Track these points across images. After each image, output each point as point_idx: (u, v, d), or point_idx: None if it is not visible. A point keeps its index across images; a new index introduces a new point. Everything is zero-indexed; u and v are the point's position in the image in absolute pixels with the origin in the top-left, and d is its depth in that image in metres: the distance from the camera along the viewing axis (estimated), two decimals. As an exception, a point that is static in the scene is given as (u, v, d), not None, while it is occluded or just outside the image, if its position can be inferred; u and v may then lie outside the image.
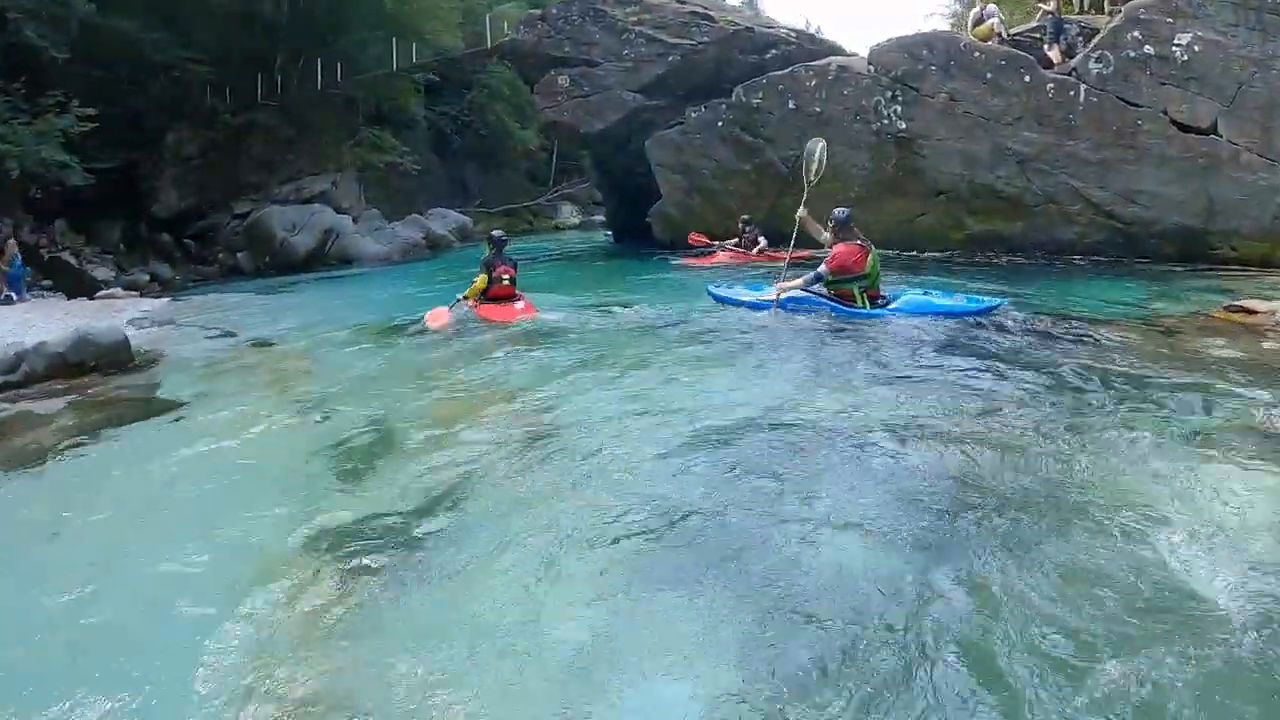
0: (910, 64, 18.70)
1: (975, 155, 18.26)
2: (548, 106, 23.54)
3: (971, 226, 18.65)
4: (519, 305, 11.81)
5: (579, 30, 22.64)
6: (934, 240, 19.04)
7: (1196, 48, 16.58)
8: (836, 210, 10.90)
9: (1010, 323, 10.11)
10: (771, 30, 21.69)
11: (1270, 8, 16.20)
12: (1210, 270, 15.27)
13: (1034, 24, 18.90)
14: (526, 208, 39.97)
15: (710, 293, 11.83)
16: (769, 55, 21.19)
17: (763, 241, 19.01)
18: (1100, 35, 17.58)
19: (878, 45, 19.33)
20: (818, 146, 12.24)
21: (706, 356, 8.98)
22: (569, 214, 42.41)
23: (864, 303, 10.24)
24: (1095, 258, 17.56)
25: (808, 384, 7.57)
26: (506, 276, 12.06)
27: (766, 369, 8.31)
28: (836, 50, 21.15)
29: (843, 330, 9.77)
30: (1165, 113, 16.68)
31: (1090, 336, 9.33)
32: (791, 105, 19.83)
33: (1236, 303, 10.47)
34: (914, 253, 18.97)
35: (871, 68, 19.15)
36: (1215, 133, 15.95)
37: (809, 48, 21.45)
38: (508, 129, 37.85)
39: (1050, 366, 7.88)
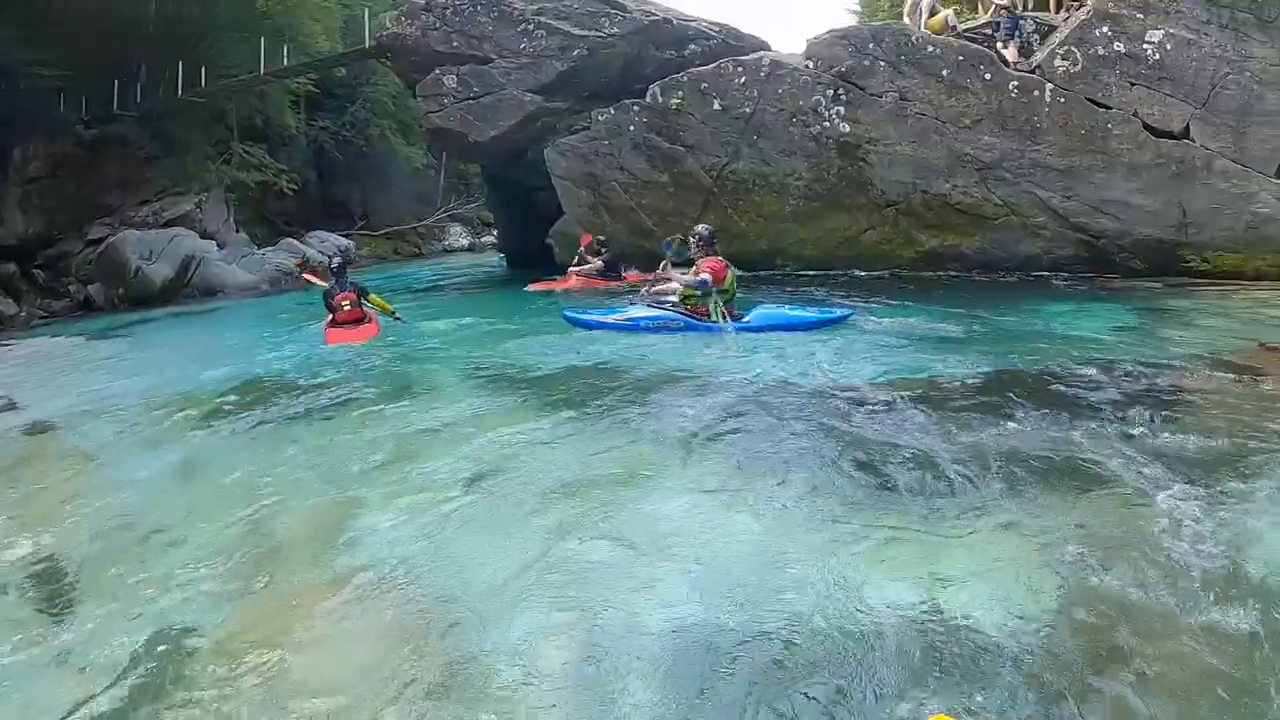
0: (855, 59, 15.30)
1: (929, 162, 14.95)
2: (432, 111, 19.16)
3: (925, 242, 15.34)
4: (365, 327, 11.41)
5: (469, 21, 18.53)
6: (882, 258, 15.69)
7: (1168, 46, 13.97)
8: (700, 227, 10.43)
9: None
10: (691, 22, 18.17)
11: (1243, 6, 13.86)
12: (1188, 286, 13.05)
13: (985, 20, 15.79)
14: (414, 229, 35.44)
15: (566, 317, 10.92)
16: (688, 51, 17.57)
17: (596, 262, 16.14)
18: (1068, 30, 14.59)
19: (817, 38, 15.89)
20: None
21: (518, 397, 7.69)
22: (458, 236, 37.83)
23: (719, 317, 9.83)
24: (1061, 274, 14.73)
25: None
26: (347, 303, 11.49)
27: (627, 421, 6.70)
28: (762, 47, 17.65)
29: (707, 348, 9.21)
30: (1136, 115, 14.06)
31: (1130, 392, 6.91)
32: (717, 106, 16.16)
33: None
34: (859, 272, 15.59)
35: (810, 63, 15.70)
36: (1188, 137, 13.60)
37: (732, 44, 17.98)
38: (393, 145, 33.18)
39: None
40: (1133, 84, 14.18)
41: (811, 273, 15.89)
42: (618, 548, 4.41)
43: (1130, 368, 7.73)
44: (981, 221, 14.97)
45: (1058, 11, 15.94)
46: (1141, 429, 5.85)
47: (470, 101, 18.71)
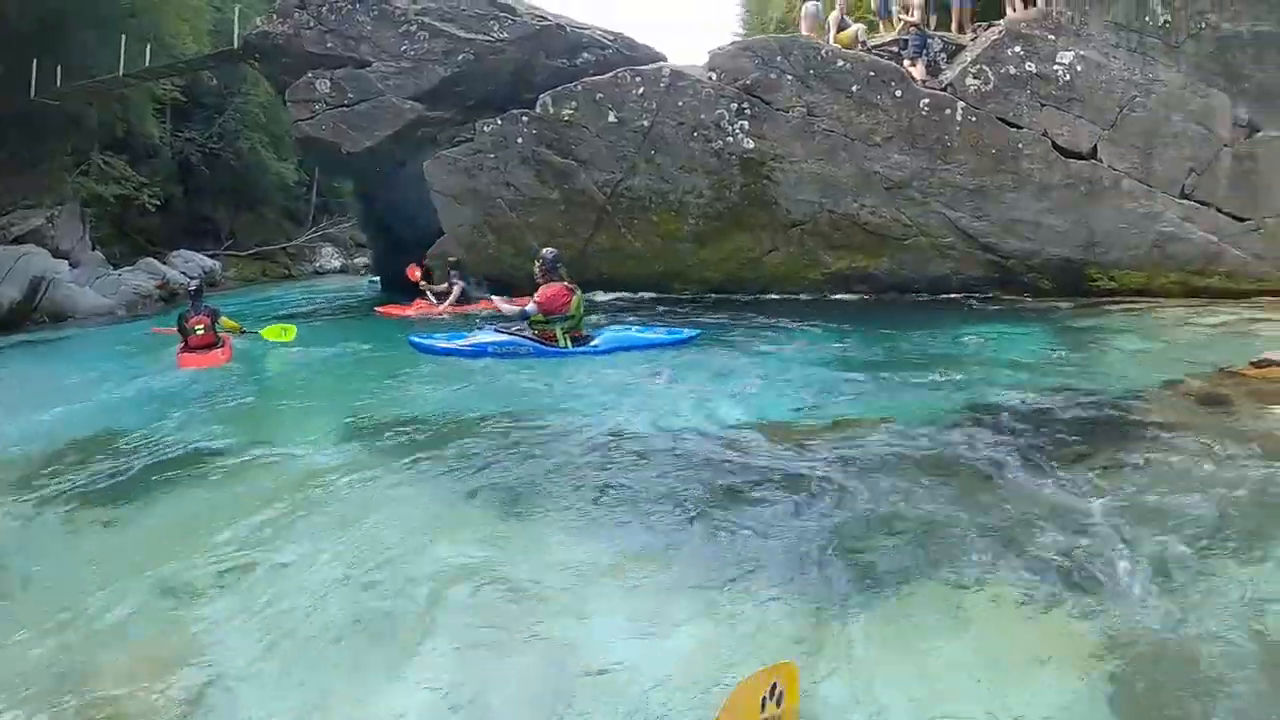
0: (761, 71, 13.89)
1: (837, 180, 13.61)
2: (302, 119, 16.81)
3: (831, 263, 14.00)
4: (216, 352, 10.80)
5: (346, 20, 16.33)
6: (786, 280, 14.26)
7: (1079, 68, 13.34)
8: (545, 251, 10.14)
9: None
10: (585, 30, 16.40)
11: (1150, 32, 13.35)
12: (1099, 305, 12.44)
13: (893, 37, 14.63)
14: (283, 250, 32.15)
15: (412, 343, 10.27)
16: (580, 60, 15.82)
17: (456, 289, 14.64)
18: (980, 49, 13.58)
19: (721, 49, 14.44)
20: None
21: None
22: (330, 257, 34.42)
23: (566, 342, 9.58)
24: (971, 295, 13.72)
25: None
26: (200, 327, 10.94)
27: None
28: (658, 59, 16.05)
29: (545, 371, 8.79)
30: (1046, 135, 13.36)
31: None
32: (613, 118, 14.47)
33: (1265, 356, 7.75)
34: (764, 295, 14.08)
35: (713, 75, 14.21)
36: (1096, 157, 13.13)
37: (626, 54, 16.27)
38: (263, 160, 30.04)
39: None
40: (1043, 104, 13.37)
41: (714, 296, 14.34)
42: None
43: (1075, 397, 6.87)
44: (890, 242, 13.72)
45: (960, 31, 14.97)
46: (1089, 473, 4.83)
47: (344, 109, 16.44)
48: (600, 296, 14.45)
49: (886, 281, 13.82)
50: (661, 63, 15.27)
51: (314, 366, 10.44)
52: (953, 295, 13.66)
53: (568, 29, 15.89)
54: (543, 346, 9.47)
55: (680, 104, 14.10)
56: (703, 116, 13.93)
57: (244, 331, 11.48)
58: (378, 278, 19.09)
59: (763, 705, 2.56)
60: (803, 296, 13.93)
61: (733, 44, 14.52)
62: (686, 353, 9.52)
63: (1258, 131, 12.67)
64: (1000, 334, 10.54)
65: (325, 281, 29.27)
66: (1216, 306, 11.61)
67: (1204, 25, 13.08)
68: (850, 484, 4.95)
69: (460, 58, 15.68)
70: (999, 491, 4.79)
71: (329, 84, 16.52)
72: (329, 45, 16.47)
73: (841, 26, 14.55)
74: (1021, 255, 13.48)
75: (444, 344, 9.95)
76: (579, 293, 9.68)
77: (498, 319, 10.22)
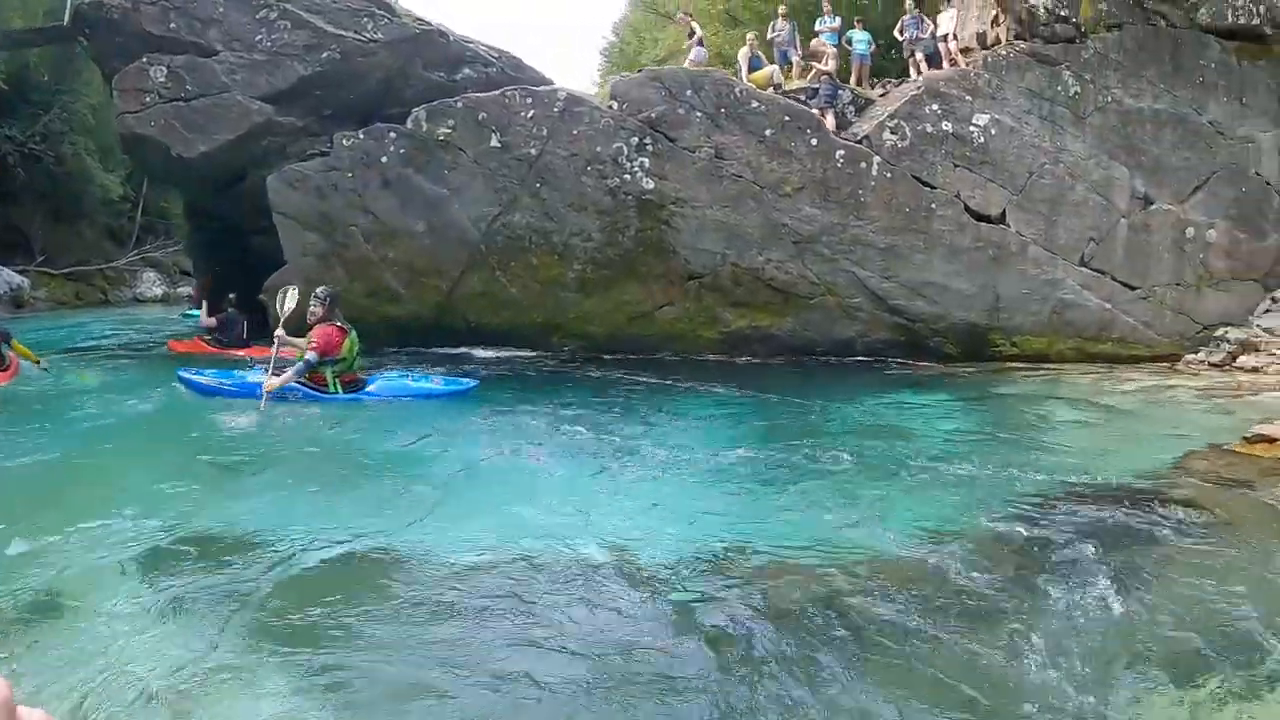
0: (669, 106, 11.57)
1: (743, 231, 11.48)
2: (130, 111, 12.99)
3: (731, 322, 11.72)
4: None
5: None
6: (680, 339, 11.85)
7: (993, 131, 12.16)
8: (320, 289, 8.87)
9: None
10: (470, 43, 13.57)
11: (1061, 101, 12.45)
12: (1008, 370, 11.47)
13: (800, 85, 12.85)
14: (101, 272, 26.70)
15: (181, 378, 8.95)
16: (460, 75, 13.03)
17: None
18: (899, 104, 11.98)
19: (627, 77, 12.11)
20: (287, 294, 9.45)
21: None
22: (152, 284, 28.79)
23: (336, 387, 8.50)
24: (876, 359, 11.89)
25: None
26: None
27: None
28: (546, 84, 13.58)
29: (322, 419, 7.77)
30: (959, 197, 11.93)
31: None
32: (496, 143, 11.73)
33: (1257, 431, 7.26)
34: (654, 355, 11.68)
35: (615, 104, 11.76)
36: (1004, 222, 12.04)
37: (511, 75, 13.55)
38: (87, 169, 24.88)
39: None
40: (956, 165, 11.97)
41: (605, 355, 11.67)
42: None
43: (1071, 487, 5.69)
44: (795, 301, 11.63)
45: (859, 84, 13.42)
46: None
47: (180, 103, 12.81)
48: (481, 353, 11.80)
49: (789, 343, 11.66)
50: (558, 86, 12.83)
51: (101, 414, 8.15)
52: (858, 359, 11.83)
53: (450, 38, 12.98)
54: (311, 391, 8.42)
55: (575, 132, 11.51)
56: (599, 149, 11.44)
57: (43, 365, 9.85)
58: (199, 310, 15.62)
59: None
60: (697, 357, 11.55)
61: (640, 72, 12.23)
62: (540, 425, 7.64)
63: (1151, 204, 12.20)
64: (929, 406, 9.16)
65: (144, 310, 24.38)
66: (1117, 372, 11.10)
67: (1110, 100, 12.53)
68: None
69: (324, 55, 12.43)
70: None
71: (165, 72, 12.91)
72: (172, 26, 12.82)
73: (753, 66, 12.68)
74: (929, 319, 11.83)
75: (215, 382, 8.88)
76: (353, 334, 8.73)
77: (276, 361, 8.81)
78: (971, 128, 12.05)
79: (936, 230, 11.76)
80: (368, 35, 12.48)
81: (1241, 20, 12.62)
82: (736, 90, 11.71)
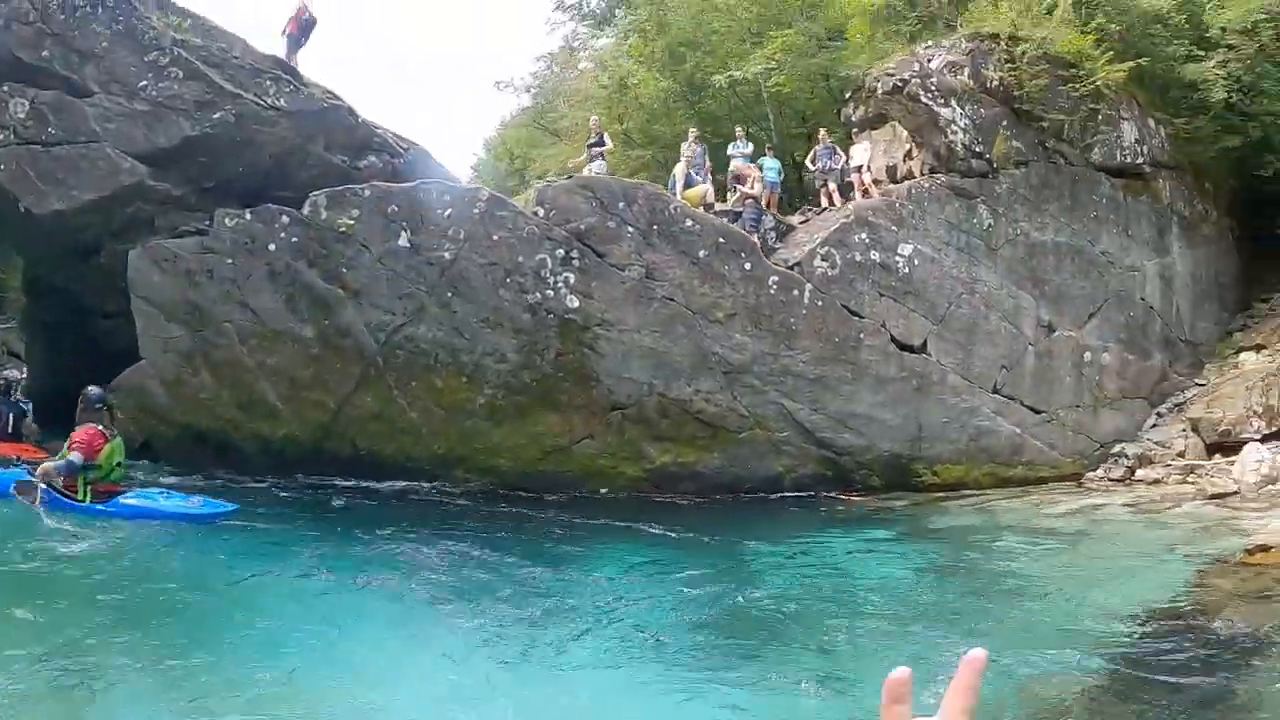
0: (599, 217, 9.86)
1: (672, 359, 9.97)
2: None
3: (655, 457, 10.04)
4: None
5: (78, 26, 10.09)
6: (599, 476, 10.02)
7: (916, 261, 11.45)
8: (90, 388, 8.09)
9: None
10: (379, 129, 11.28)
11: (976, 233, 11.92)
12: (936, 500, 10.63)
13: (728, 207, 11.61)
14: None
15: None
16: (364, 162, 10.71)
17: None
18: (829, 232, 10.95)
19: (554, 182, 10.39)
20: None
21: None
22: None
23: (86, 495, 7.62)
24: (803, 495, 10.63)
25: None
26: None
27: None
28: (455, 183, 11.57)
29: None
30: (884, 326, 11.02)
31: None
32: (405, 241, 9.63)
33: (1258, 543, 7.05)
34: (569, 494, 9.97)
35: (540, 210, 9.97)
36: (926, 352, 11.28)
37: (420, 170, 11.16)
38: None
39: None
40: (882, 295, 11.08)
41: (515, 492, 9.66)
42: None
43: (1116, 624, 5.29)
44: (723, 435, 10.18)
45: (769, 207, 12.40)
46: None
47: (39, 147, 10.04)
48: (379, 485, 9.66)
49: (715, 480, 10.12)
50: (479, 186, 10.91)
51: None
52: (782, 495, 10.65)
53: (360, 119, 10.77)
54: (60, 499, 7.54)
55: (495, 238, 9.58)
56: (520, 259, 9.58)
57: None
58: (29, 403, 12.44)
59: None
60: (617, 496, 9.80)
61: (570, 178, 10.57)
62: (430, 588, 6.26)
63: (1054, 331, 11.92)
64: (880, 546, 8.47)
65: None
66: (1034, 495, 10.77)
67: (1018, 232, 12.31)
68: None
69: (217, 116, 9.92)
70: None
71: (27, 108, 9.98)
72: (44, 54, 9.99)
73: (689, 183, 11.31)
74: (855, 451, 10.69)
75: None
76: (117, 441, 7.94)
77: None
78: (897, 257, 11.20)
79: (864, 360, 10.77)
80: (269, 101, 10.03)
81: (1127, 159, 12.86)
82: (671, 207, 10.23)
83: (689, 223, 10.17)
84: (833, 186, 12.17)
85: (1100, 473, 11.66)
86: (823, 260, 10.69)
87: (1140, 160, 12.97)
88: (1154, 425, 12.46)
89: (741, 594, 6.50)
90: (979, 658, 0.73)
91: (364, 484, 9.64)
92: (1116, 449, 11.91)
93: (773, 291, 10.35)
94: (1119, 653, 4.85)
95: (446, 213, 9.71)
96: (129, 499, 7.82)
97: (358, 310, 9.65)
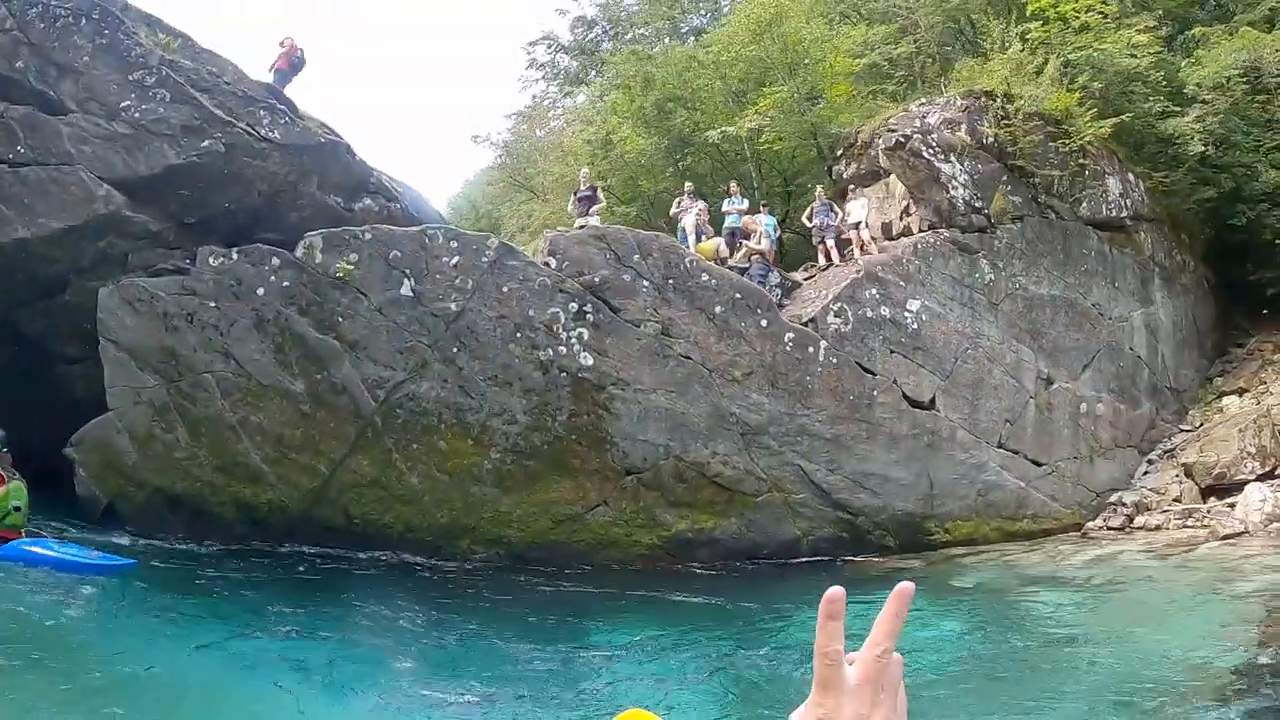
0: (613, 270, 8.99)
1: (689, 420, 9.09)
2: None
3: (671, 524, 9.07)
4: None
5: (59, 35, 8.82)
6: (612, 546, 8.98)
7: (924, 317, 10.93)
8: None
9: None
10: (374, 171, 10.12)
11: (979, 288, 11.40)
12: (955, 558, 10.01)
13: (734, 263, 10.87)
14: None
15: None
16: (359, 205, 9.56)
17: None
18: (840, 287, 10.30)
19: (566, 231, 9.43)
20: None
21: None
22: None
23: None
24: (821, 558, 9.85)
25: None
26: None
27: None
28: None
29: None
30: (896, 383, 10.39)
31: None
32: (408, 290, 8.55)
33: None
34: (580, 566, 8.89)
35: (551, 261, 9.04)
36: (935, 408, 10.62)
37: (414, 216, 10.10)
38: None
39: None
40: (893, 351, 10.47)
41: (524, 565, 8.58)
42: None
43: None
44: (740, 499, 9.29)
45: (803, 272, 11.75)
46: None
47: (5, 167, 8.75)
48: (363, 555, 8.42)
49: (732, 546, 9.20)
50: (487, 234, 9.85)
51: None
52: (803, 560, 9.89)
53: (356, 157, 9.66)
54: None
55: (505, 290, 8.60)
56: (531, 313, 8.61)
57: None
58: None
59: None
60: (630, 567, 8.87)
61: (582, 228, 9.66)
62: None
63: (1052, 384, 11.48)
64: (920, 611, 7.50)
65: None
66: (1044, 546, 10.38)
67: (1017, 286, 11.83)
68: None
69: (205, 144, 8.71)
70: None
71: None
72: (19, 65, 8.74)
73: (700, 235, 10.54)
74: (870, 512, 9.94)
75: None
76: (15, 484, 7.45)
77: None
78: (906, 313, 10.63)
79: (878, 418, 10.10)
80: (262, 131, 8.83)
81: (1112, 213, 12.63)
82: (687, 260, 9.41)
83: (705, 277, 9.38)
84: (830, 243, 11.55)
85: (1099, 522, 11.28)
86: (835, 316, 10.03)
87: (1124, 214, 12.80)
88: (1146, 472, 12.14)
89: (782, 666, 6.03)
90: (908, 589, 0.72)
91: (347, 554, 8.52)
92: (1114, 497, 11.55)
93: (789, 349, 9.63)
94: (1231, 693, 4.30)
95: (453, 261, 8.69)
96: (25, 544, 7.26)
97: (354, 364, 8.52)
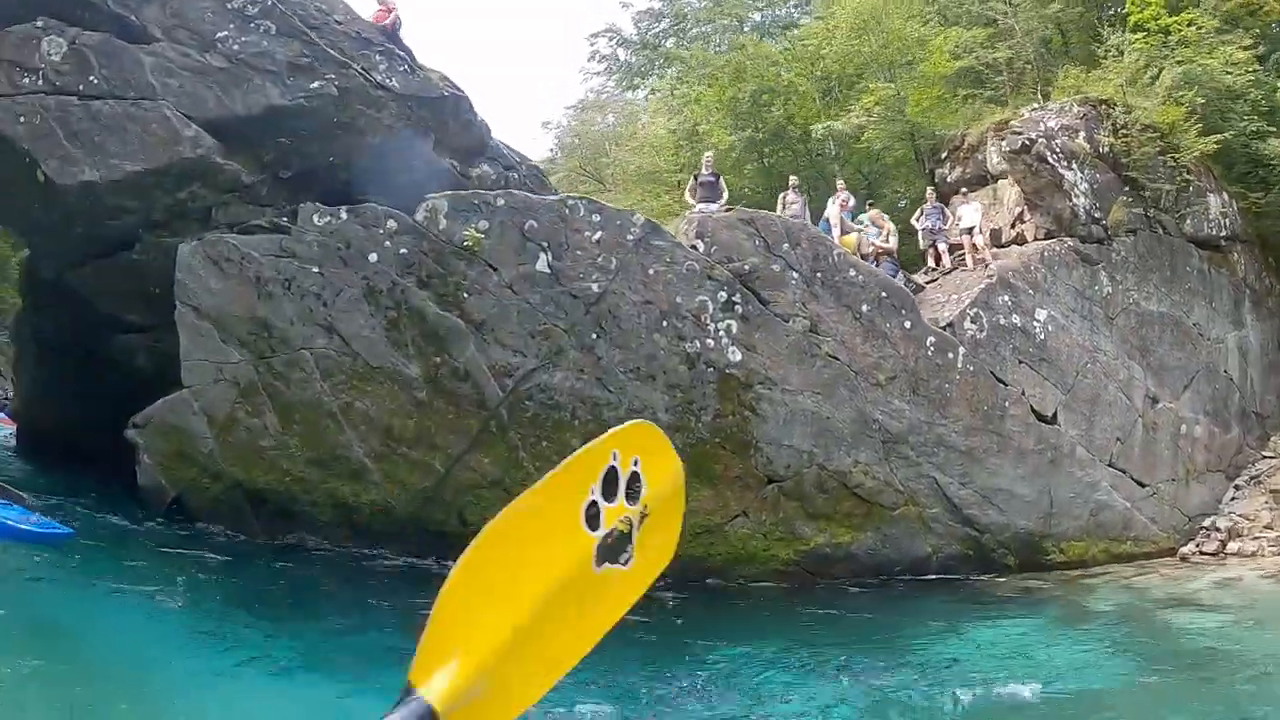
0: (762, 258, 7.68)
1: (834, 425, 7.86)
2: None
3: (810, 537, 7.82)
4: None
5: None
6: (749, 561, 7.68)
7: (1050, 328, 9.77)
8: None
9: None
10: (509, 149, 8.69)
11: (1097, 300, 10.41)
12: (1077, 579, 9.07)
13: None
14: None
15: None
16: (477, 171, 8.05)
17: None
18: (975, 293, 9.23)
19: (712, 212, 8.10)
20: None
21: None
22: None
23: None
24: (948, 577, 8.73)
25: None
26: None
27: None
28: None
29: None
30: (1024, 395, 9.30)
31: None
32: (543, 265, 7.12)
33: None
34: (712, 582, 7.64)
35: (700, 244, 7.71)
36: (1056, 422, 9.54)
37: (533, 190, 8.31)
38: None
39: None
40: (1021, 361, 9.39)
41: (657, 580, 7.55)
42: None
43: None
44: (878, 512, 8.07)
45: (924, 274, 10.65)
46: None
47: (75, 100, 7.11)
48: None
49: (867, 562, 7.98)
50: (633, 212, 8.25)
51: None
52: (928, 578, 8.78)
53: (478, 118, 8.23)
54: None
55: (651, 273, 7.23)
56: (679, 299, 7.26)
57: None
58: (25, 436, 8.85)
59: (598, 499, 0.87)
60: (761, 584, 7.61)
61: (727, 208, 8.44)
62: None
63: (1157, 403, 10.63)
64: (1056, 627, 7.15)
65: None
66: (1150, 570, 9.65)
67: (1130, 301, 10.86)
68: None
69: (315, 85, 7.21)
70: None
71: (64, 49, 7.12)
72: None
73: (845, 229, 9.38)
74: (995, 529, 8.81)
75: None
76: None
77: None
78: (1034, 322, 9.63)
79: (1008, 431, 9.01)
80: (378, 78, 7.36)
81: (1211, 231, 11.74)
82: (835, 254, 8.20)
83: (852, 272, 8.18)
84: (942, 247, 10.53)
85: (1192, 546, 10.41)
86: (971, 322, 8.96)
87: (1221, 233, 11.91)
88: (1233, 498, 11.31)
89: (954, 690, 5.45)
90: None
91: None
92: (1206, 522, 10.66)
93: (930, 353, 8.49)
94: None
95: (595, 236, 7.33)
96: None
97: (480, 347, 7.11)
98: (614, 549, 0.88)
